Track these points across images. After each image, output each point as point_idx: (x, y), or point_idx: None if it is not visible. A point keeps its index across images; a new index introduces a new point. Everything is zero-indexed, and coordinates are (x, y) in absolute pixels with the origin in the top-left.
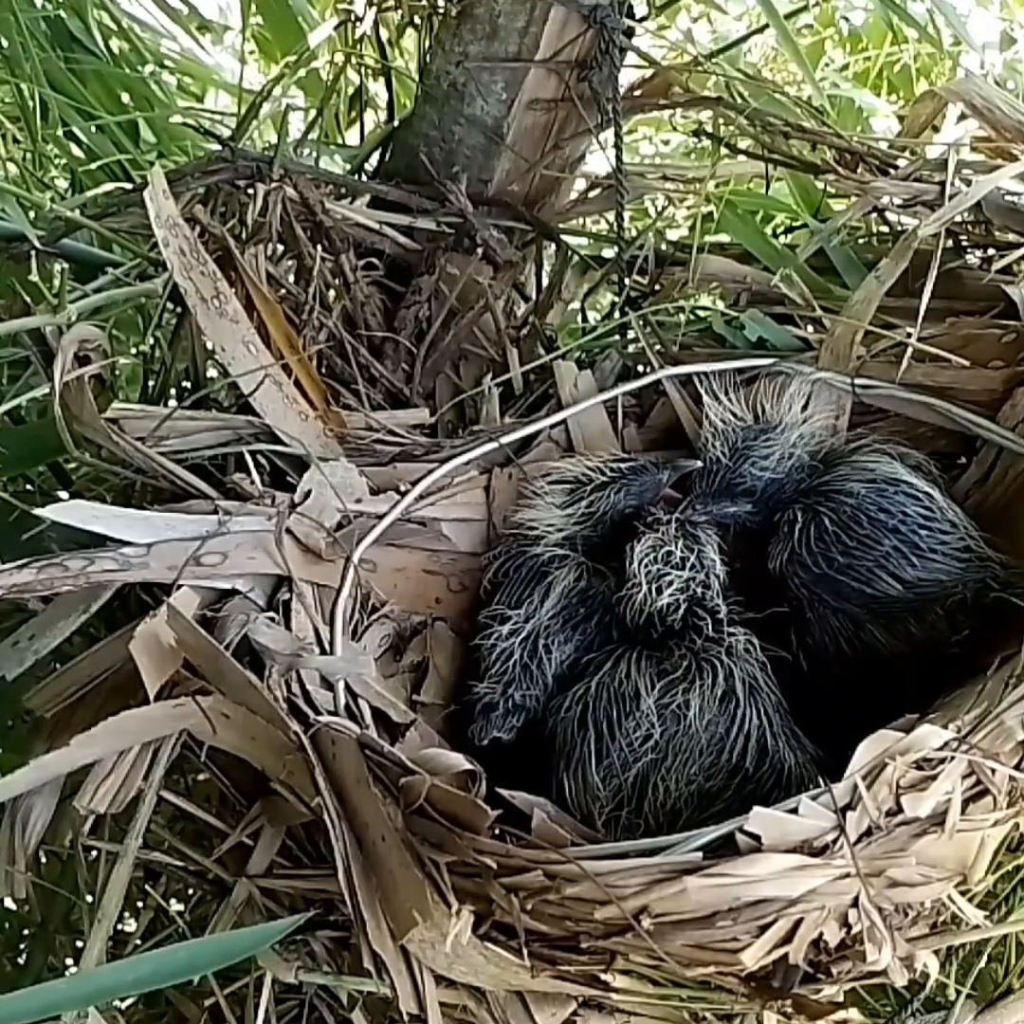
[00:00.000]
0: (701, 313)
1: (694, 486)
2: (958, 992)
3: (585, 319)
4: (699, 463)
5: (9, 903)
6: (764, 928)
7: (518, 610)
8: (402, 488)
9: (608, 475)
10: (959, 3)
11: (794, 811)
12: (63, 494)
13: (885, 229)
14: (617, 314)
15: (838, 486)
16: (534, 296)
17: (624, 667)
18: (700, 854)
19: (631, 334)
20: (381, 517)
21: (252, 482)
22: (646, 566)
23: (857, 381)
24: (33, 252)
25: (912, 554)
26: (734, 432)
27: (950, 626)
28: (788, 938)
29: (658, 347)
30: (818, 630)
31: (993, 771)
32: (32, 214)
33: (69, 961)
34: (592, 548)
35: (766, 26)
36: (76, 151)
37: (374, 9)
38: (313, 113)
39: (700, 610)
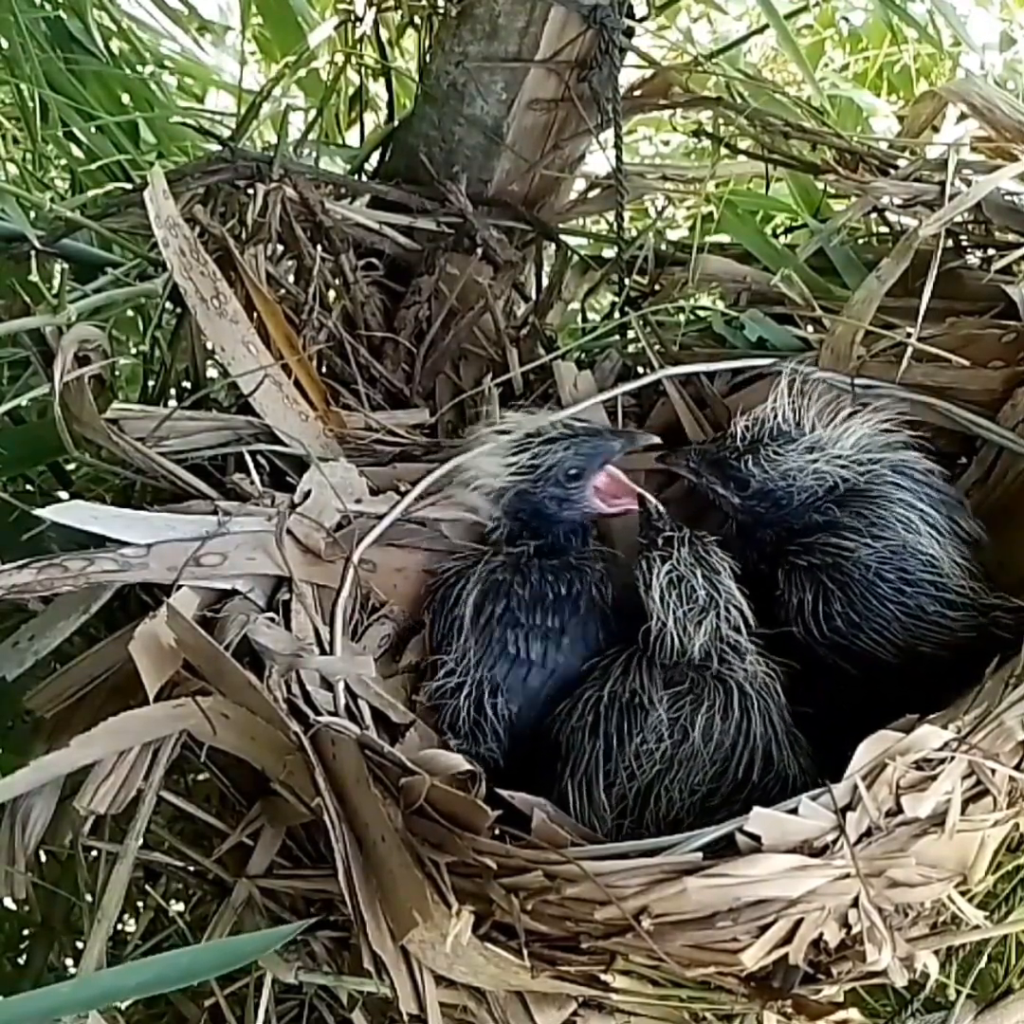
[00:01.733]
0: (701, 313)
1: (704, 443)
2: (958, 992)
3: (585, 319)
4: (656, 439)
5: (9, 903)
6: (764, 928)
7: (450, 655)
8: (402, 488)
9: (559, 431)
10: (959, 3)
11: (794, 811)
12: (63, 494)
13: (885, 229)
14: (617, 314)
15: (848, 548)
16: (534, 296)
17: (635, 678)
18: (700, 854)
19: (631, 334)
20: (381, 517)
21: (252, 482)
22: (671, 606)
23: (857, 381)
24: (33, 252)
25: (915, 626)
26: (765, 427)
27: (954, 673)
28: (788, 938)
29: (658, 347)
30: (822, 676)
31: (993, 771)
32: (32, 214)
33: (69, 961)
34: (523, 518)
35: (766, 26)
36: (76, 151)
37: (374, 9)
38: (313, 113)
39: (730, 651)
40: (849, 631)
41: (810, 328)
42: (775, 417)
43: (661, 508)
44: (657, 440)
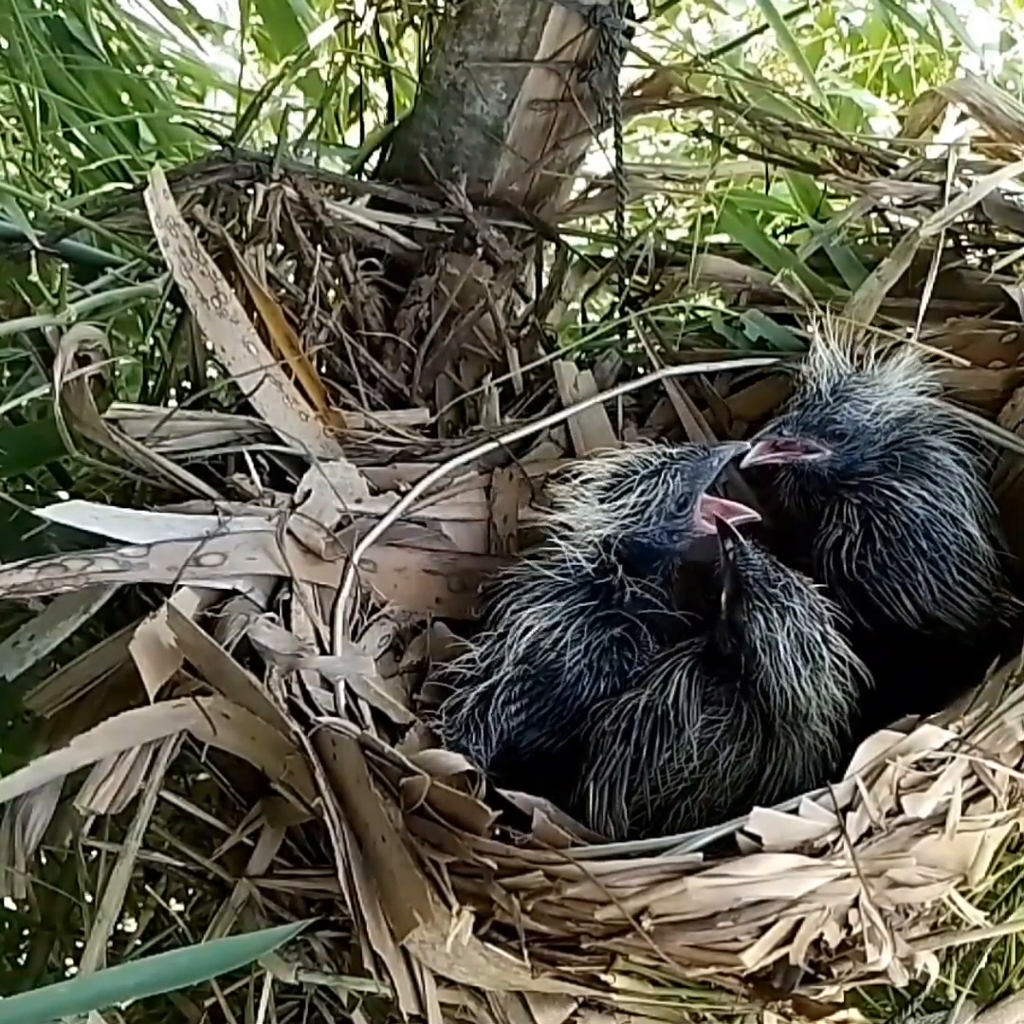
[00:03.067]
0: (701, 313)
1: (788, 412)
2: (958, 992)
3: (585, 319)
4: (746, 444)
5: (9, 903)
6: (765, 929)
7: (483, 648)
8: (402, 488)
9: (658, 461)
10: (959, 4)
11: (795, 811)
12: (63, 494)
13: (885, 229)
14: (617, 314)
15: (903, 495)
16: (534, 296)
17: (673, 690)
18: (701, 854)
19: (631, 334)
20: (381, 517)
21: (252, 482)
22: (797, 666)
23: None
24: (33, 252)
25: (939, 589)
26: (839, 373)
27: (955, 657)
28: (789, 939)
29: (658, 347)
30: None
31: (993, 771)
32: (32, 214)
33: (69, 961)
34: (628, 559)
35: (766, 26)
36: (76, 151)
37: (374, 9)
38: (313, 113)
39: (832, 712)
40: (877, 575)
41: (810, 328)
42: (842, 362)
43: (754, 545)
44: (747, 445)
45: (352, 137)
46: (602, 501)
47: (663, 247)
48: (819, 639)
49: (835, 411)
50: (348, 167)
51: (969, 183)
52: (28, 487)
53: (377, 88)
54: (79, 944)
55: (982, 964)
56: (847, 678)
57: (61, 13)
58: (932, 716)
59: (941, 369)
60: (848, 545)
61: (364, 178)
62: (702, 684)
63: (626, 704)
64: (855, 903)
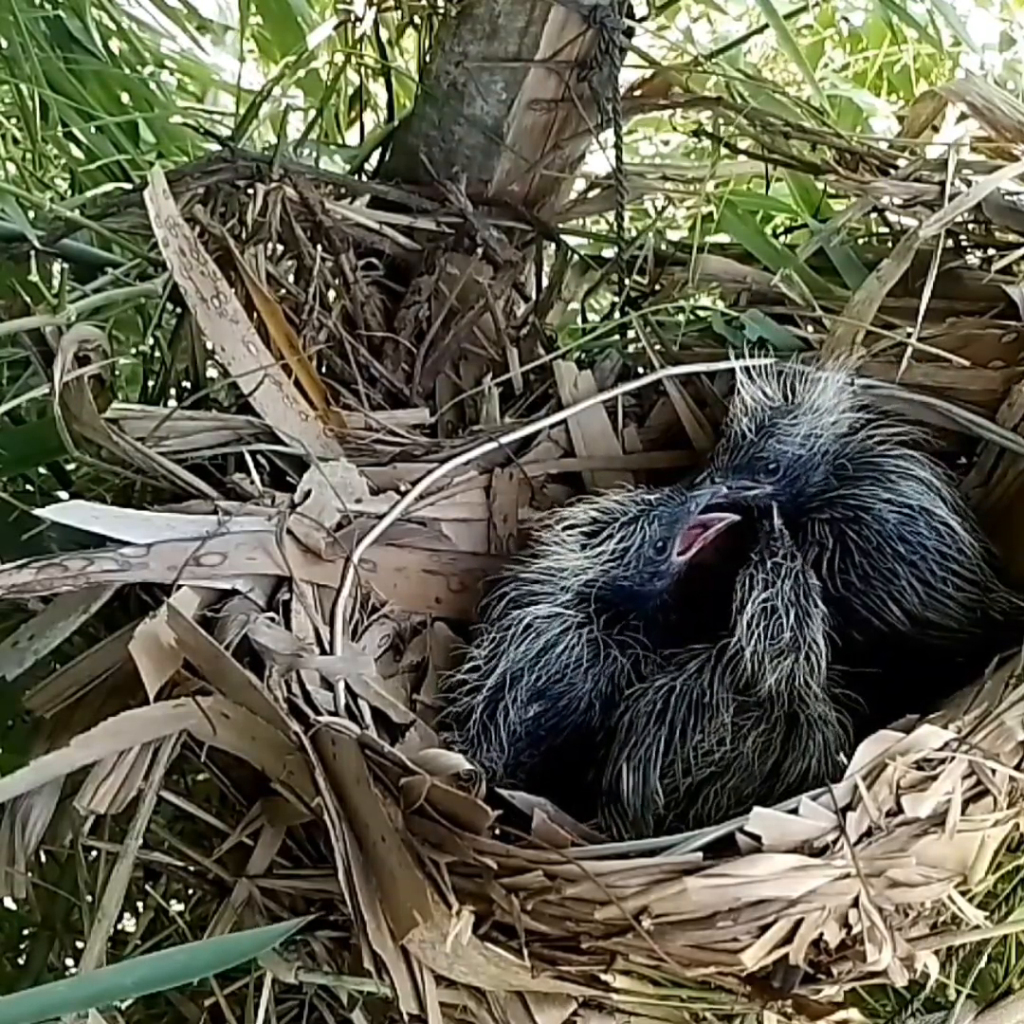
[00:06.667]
0: (701, 313)
1: (716, 459)
2: (958, 992)
3: (585, 319)
4: (724, 489)
5: (9, 903)
6: (764, 928)
7: (483, 652)
8: (402, 488)
9: (636, 508)
10: (959, 3)
11: (794, 811)
12: (63, 494)
13: (885, 229)
14: (617, 314)
15: (870, 504)
16: (534, 296)
17: (708, 677)
18: (700, 854)
19: (631, 334)
20: (381, 517)
21: (252, 482)
22: (756, 636)
23: (857, 381)
24: (33, 252)
25: (924, 591)
26: (762, 410)
27: (950, 656)
28: (788, 938)
29: (658, 347)
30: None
31: (993, 771)
32: (32, 214)
33: (69, 961)
34: (613, 602)
35: (766, 26)
36: (76, 151)
37: (374, 9)
38: (313, 113)
39: (803, 693)
40: (861, 586)
41: (810, 328)
42: (762, 400)
43: (783, 529)
44: (725, 490)
45: (352, 137)
46: (583, 547)
47: (663, 247)
48: (790, 622)
49: (761, 448)
50: (348, 167)
51: (969, 183)
52: (28, 487)
53: (377, 88)
54: (79, 944)
55: (982, 964)
56: (813, 673)
57: (61, 13)
58: (932, 716)
59: (941, 369)
60: (827, 562)
61: (364, 178)
62: (733, 672)
63: (662, 687)
64: (855, 903)
